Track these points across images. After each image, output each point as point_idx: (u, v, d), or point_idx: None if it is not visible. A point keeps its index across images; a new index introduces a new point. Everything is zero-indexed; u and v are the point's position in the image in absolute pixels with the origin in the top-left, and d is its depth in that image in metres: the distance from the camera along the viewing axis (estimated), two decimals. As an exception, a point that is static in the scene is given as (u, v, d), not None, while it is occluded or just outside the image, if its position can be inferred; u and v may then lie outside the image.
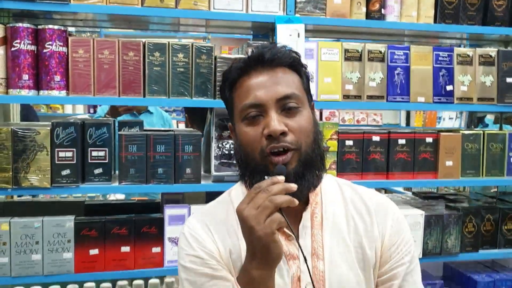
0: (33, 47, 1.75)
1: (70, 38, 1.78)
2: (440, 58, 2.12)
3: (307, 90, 1.13)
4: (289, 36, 1.87)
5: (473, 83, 2.15)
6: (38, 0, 1.74)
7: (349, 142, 2.02)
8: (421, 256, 2.05)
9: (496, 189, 2.62)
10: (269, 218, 0.92)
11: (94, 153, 1.81)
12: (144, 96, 1.84)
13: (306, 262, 1.01)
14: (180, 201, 2.09)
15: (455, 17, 2.15)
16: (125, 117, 2.99)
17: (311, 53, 1.98)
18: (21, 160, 1.73)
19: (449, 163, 2.13)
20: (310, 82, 1.18)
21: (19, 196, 2.32)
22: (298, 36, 1.88)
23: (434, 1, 2.12)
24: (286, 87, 1.06)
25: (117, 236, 1.85)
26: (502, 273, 2.27)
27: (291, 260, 1.08)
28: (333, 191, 1.17)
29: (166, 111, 5.79)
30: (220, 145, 1.92)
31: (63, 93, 1.77)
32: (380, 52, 2.06)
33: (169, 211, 1.91)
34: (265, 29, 2.14)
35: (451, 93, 2.14)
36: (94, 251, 1.82)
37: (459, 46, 2.56)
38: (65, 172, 1.76)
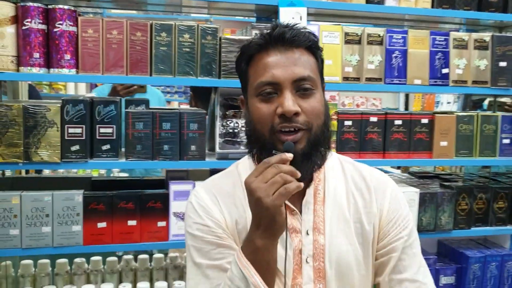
0: (43, 26, 1.80)
1: (79, 18, 1.83)
2: (436, 42, 2.19)
3: (321, 72, 1.17)
4: (291, 19, 1.93)
5: (468, 66, 2.23)
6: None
7: (348, 122, 2.10)
8: (415, 232, 2.13)
9: (489, 170, 2.71)
10: (277, 191, 0.97)
11: (102, 130, 1.87)
12: (150, 75, 1.89)
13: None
14: (184, 178, 2.15)
15: (451, 2, 2.21)
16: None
17: (313, 35, 2.04)
18: (32, 135, 1.79)
19: (443, 143, 2.20)
20: None
21: (26, 173, 2.38)
22: (301, 19, 1.94)
23: (431, -13, 2.19)
24: (303, 69, 1.09)
25: (124, 210, 1.92)
26: (492, 249, 2.37)
27: (294, 233, 1.14)
28: (335, 168, 1.22)
29: (168, 92, 5.86)
30: (224, 123, 1.98)
31: (73, 71, 1.83)
32: (379, 35, 2.13)
33: (175, 187, 1.98)
34: (268, 12, 2.19)
35: (446, 76, 2.21)
36: (102, 224, 1.89)
37: (456, 30, 2.63)
38: (75, 148, 1.83)
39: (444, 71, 2.20)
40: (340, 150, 2.08)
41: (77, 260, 2.06)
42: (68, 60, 1.81)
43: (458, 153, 2.24)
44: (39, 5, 1.79)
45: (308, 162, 1.10)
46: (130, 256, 2.16)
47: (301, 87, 1.09)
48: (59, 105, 1.81)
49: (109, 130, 1.87)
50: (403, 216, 1.20)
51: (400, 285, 1.16)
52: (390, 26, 2.45)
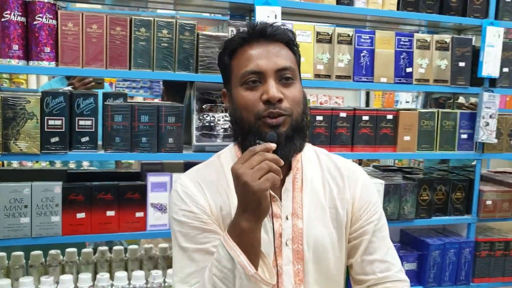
0: (23, 19, 1.81)
1: (59, 12, 1.85)
2: (401, 43, 2.32)
3: (299, 67, 1.26)
4: (267, 17, 2.01)
5: (430, 66, 2.37)
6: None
7: (319, 118, 2.20)
8: (380, 221, 2.26)
9: (447, 164, 2.88)
10: (264, 177, 1.04)
11: (82, 122, 1.90)
12: (130, 69, 1.94)
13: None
14: (159, 171, 2.21)
15: (415, 5, 2.35)
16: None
17: (286, 33, 2.13)
18: (11, 127, 1.80)
19: (407, 138, 2.34)
20: None
21: (2, 165, 2.37)
22: (276, 17, 2.02)
23: (397, -10, 2.32)
24: (284, 60, 1.18)
25: (102, 201, 1.95)
26: (451, 237, 2.53)
27: (275, 218, 1.21)
28: (312, 159, 1.32)
29: (134, 87, 5.82)
30: (201, 117, 2.05)
31: (53, 64, 1.85)
32: (348, 35, 2.24)
33: (152, 179, 2.03)
34: (242, 10, 2.27)
35: (410, 75, 2.34)
36: (81, 215, 1.92)
37: (416, 32, 2.78)
38: (54, 139, 1.85)
39: (408, 70, 2.33)
40: (311, 143, 2.17)
41: (52, 251, 2.07)
42: (48, 53, 1.83)
43: (420, 147, 2.38)
44: (18, -3, 1.80)
45: (291, 144, 1.18)
46: (105, 248, 2.19)
47: (283, 76, 1.18)
48: (39, 97, 1.83)
49: (88, 123, 1.91)
50: (373, 203, 1.30)
51: (371, 265, 1.26)
52: (357, 27, 2.57)
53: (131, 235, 2.02)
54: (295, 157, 1.27)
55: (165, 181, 2.04)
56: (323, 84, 2.24)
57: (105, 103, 1.95)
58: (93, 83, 2.89)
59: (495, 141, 2.44)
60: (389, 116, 2.33)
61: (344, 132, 2.25)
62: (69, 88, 2.26)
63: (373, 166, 2.81)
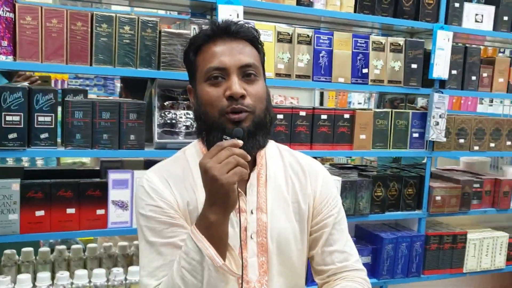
0: (-22, 11, 1.77)
1: (17, 5, 1.81)
2: (358, 44, 2.41)
3: (263, 65, 1.29)
4: (229, 16, 2.04)
5: (385, 67, 2.47)
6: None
7: (280, 116, 2.25)
8: (337, 217, 2.34)
9: (399, 162, 3.01)
10: (232, 171, 1.07)
11: (41, 118, 1.86)
12: (91, 64, 1.92)
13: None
14: (119, 168, 2.19)
15: (371, 8, 2.44)
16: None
17: (248, 33, 2.16)
18: (-34, 123, 1.75)
19: (362, 136, 2.44)
20: None
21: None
22: (238, 16, 2.06)
23: (355, -8, 2.40)
24: (248, 57, 1.21)
25: (62, 198, 1.92)
26: (403, 231, 2.65)
27: (240, 212, 1.23)
28: (275, 155, 1.36)
29: (87, 85, 5.69)
30: (162, 114, 2.06)
31: (10, 58, 1.81)
32: (308, 36, 2.30)
33: (113, 176, 2.02)
34: (203, 8, 2.28)
35: (366, 76, 2.43)
36: (40, 213, 1.89)
37: (371, 34, 2.88)
38: (12, 135, 1.81)
39: (364, 71, 2.42)
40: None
41: (7, 251, 2.02)
42: (5, 46, 1.79)
43: (375, 145, 2.48)
44: (-26, -11, 1.75)
45: (253, 140, 1.20)
46: (63, 246, 2.16)
47: (246, 73, 1.21)
48: (-4, 92, 1.79)
49: (48, 119, 1.87)
50: (333, 197, 1.37)
51: (331, 256, 1.32)
52: (315, 28, 2.64)
53: (92, 232, 2.00)
54: (260, 153, 1.30)
55: (126, 178, 2.03)
56: (284, 83, 2.30)
57: (65, 99, 1.92)
58: (39, 81, 2.81)
59: (444, 139, 2.57)
60: (346, 116, 2.41)
61: (303, 131, 2.31)
62: (26, 83, 2.20)
63: (330, 165, 2.89)
